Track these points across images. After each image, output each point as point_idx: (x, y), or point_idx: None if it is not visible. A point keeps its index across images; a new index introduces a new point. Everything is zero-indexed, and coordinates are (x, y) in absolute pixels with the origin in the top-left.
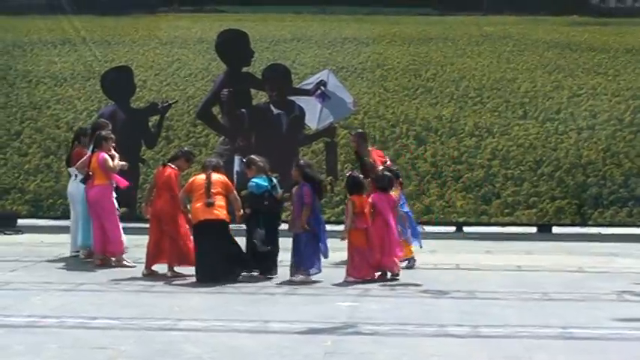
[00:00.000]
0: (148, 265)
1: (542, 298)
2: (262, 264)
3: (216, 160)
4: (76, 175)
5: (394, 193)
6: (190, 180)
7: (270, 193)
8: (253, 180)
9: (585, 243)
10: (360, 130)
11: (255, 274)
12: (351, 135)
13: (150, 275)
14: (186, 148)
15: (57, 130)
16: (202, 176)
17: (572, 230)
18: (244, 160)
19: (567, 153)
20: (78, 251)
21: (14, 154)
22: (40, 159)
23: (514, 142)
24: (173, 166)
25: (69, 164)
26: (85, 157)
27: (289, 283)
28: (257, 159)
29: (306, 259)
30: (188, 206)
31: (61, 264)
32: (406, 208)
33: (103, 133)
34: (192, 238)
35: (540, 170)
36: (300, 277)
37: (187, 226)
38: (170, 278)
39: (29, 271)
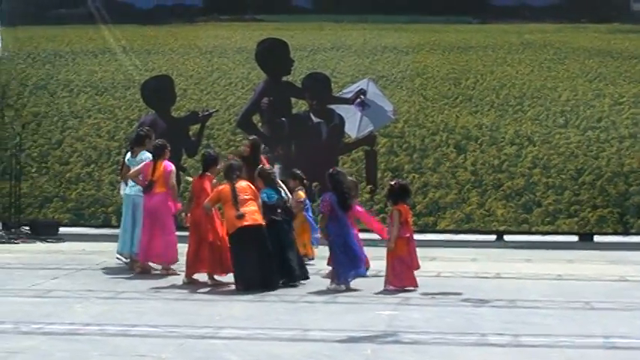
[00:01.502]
0: (188, 274)
1: (583, 308)
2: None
3: (237, 164)
4: (126, 183)
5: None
6: (217, 189)
7: (283, 203)
8: (265, 191)
9: (627, 252)
10: (254, 137)
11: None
12: (246, 140)
13: (190, 283)
14: (211, 152)
15: (98, 139)
16: (225, 185)
17: (613, 239)
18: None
19: (609, 161)
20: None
21: (55, 163)
22: (82, 167)
23: (555, 151)
24: (208, 174)
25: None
26: (140, 166)
27: (329, 291)
28: (267, 170)
29: (339, 269)
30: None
31: (102, 272)
32: (310, 214)
33: (160, 141)
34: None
35: (582, 179)
36: (333, 286)
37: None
38: (211, 286)
39: (71, 279)
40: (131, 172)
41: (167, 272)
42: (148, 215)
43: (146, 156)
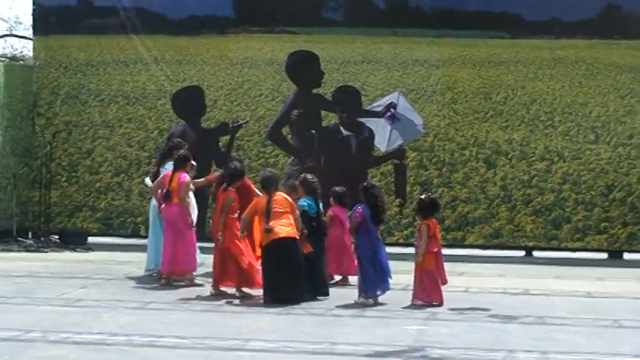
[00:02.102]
0: (216, 285)
1: (612, 325)
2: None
3: (274, 176)
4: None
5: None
6: (255, 200)
7: (318, 214)
8: (305, 199)
9: None
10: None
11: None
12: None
13: (218, 295)
14: (237, 165)
15: (128, 149)
16: (262, 196)
17: None
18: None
19: None
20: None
21: (85, 172)
22: (112, 177)
23: (585, 167)
24: (231, 188)
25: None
26: (161, 177)
27: (356, 305)
28: (310, 179)
29: (366, 283)
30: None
31: (131, 282)
32: None
33: (183, 152)
34: (254, 258)
35: (612, 195)
36: (360, 300)
37: (249, 247)
38: (238, 298)
39: (99, 289)
40: (153, 184)
41: (191, 283)
42: (169, 226)
43: (170, 166)
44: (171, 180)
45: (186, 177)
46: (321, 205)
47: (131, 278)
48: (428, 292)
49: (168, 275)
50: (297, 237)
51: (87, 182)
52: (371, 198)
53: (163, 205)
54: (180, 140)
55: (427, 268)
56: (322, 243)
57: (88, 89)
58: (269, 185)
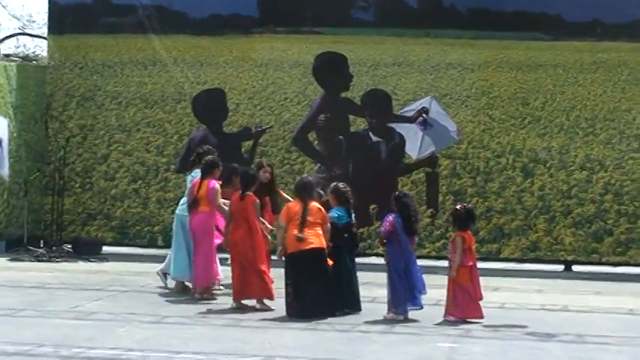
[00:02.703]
0: (237, 298)
1: None
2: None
3: (312, 180)
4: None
5: None
6: (287, 206)
7: (350, 225)
8: (336, 210)
9: None
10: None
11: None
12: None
13: (239, 308)
14: (247, 171)
15: (146, 154)
16: (295, 203)
17: None
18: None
19: None
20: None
21: (100, 179)
22: (128, 184)
23: (628, 177)
24: (249, 193)
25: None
26: (190, 186)
27: (384, 321)
28: (342, 188)
29: (396, 297)
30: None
31: (147, 294)
32: None
33: (211, 158)
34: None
35: None
36: (390, 315)
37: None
38: (259, 311)
39: (114, 301)
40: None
41: (201, 297)
42: (193, 235)
43: (197, 174)
44: (199, 188)
45: (215, 184)
46: (353, 215)
47: (147, 290)
48: (461, 308)
49: (206, 287)
50: (324, 247)
51: (102, 189)
52: (403, 207)
53: (189, 214)
54: (210, 147)
55: (461, 282)
56: (353, 256)
57: (105, 91)
58: (305, 192)
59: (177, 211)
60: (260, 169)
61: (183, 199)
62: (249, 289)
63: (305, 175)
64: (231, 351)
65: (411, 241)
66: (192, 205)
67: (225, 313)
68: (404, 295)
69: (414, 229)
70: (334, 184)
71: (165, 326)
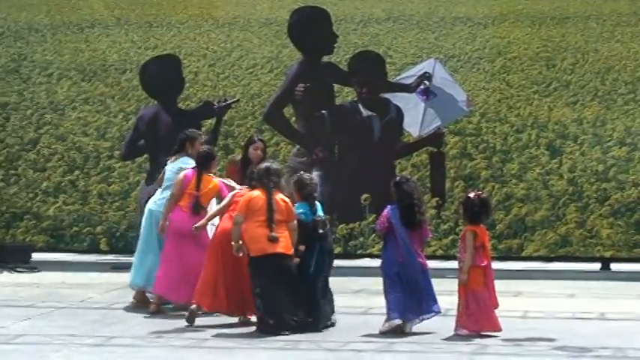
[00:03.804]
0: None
1: None
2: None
3: (275, 167)
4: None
5: None
6: (245, 199)
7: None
8: (300, 206)
9: None
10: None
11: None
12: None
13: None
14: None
15: (84, 138)
16: (258, 194)
17: None
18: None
19: None
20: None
21: (28, 169)
22: (63, 175)
23: None
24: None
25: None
26: (181, 179)
27: (382, 335)
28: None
29: (392, 303)
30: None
31: (88, 311)
32: None
33: (207, 149)
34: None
35: None
36: (386, 327)
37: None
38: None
39: (47, 320)
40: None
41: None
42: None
43: (187, 164)
44: (197, 184)
45: (222, 182)
46: (320, 209)
47: (88, 306)
48: (475, 318)
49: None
50: (291, 253)
51: (30, 182)
52: (402, 195)
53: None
54: (193, 130)
55: (474, 287)
56: (326, 260)
57: (31, 61)
58: (268, 177)
59: (150, 207)
60: (250, 145)
61: (161, 193)
62: (220, 300)
63: (270, 159)
64: None
65: (416, 236)
66: (197, 207)
67: (184, 332)
68: (401, 302)
69: (416, 221)
70: (298, 174)
71: (110, 349)
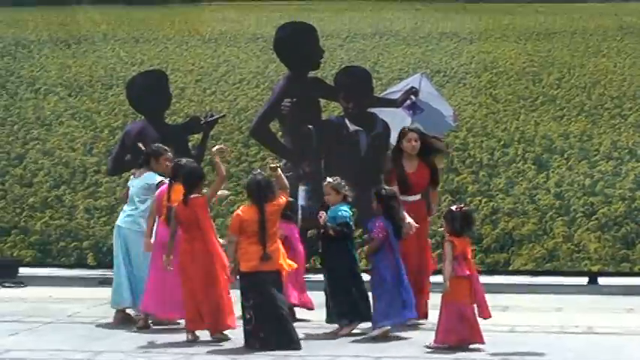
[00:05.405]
0: (191, 328)
1: None
2: None
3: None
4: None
5: None
6: (237, 219)
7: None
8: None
9: None
10: None
11: None
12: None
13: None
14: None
15: (71, 153)
16: (249, 212)
17: None
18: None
19: None
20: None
21: (15, 184)
22: (49, 190)
23: None
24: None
25: None
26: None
27: (372, 348)
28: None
29: (379, 312)
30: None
31: (75, 326)
32: None
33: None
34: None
35: None
36: (374, 333)
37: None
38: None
39: (35, 335)
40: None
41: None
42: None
43: (152, 179)
44: (169, 195)
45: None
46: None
47: (76, 321)
48: (455, 331)
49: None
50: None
51: (17, 197)
52: (390, 210)
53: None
54: (159, 145)
55: (456, 298)
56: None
57: (19, 76)
58: (260, 194)
59: (119, 223)
60: None
61: (128, 208)
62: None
63: (257, 170)
64: None
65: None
66: (170, 219)
67: (173, 347)
68: (381, 311)
69: (402, 234)
70: (335, 178)
71: None
